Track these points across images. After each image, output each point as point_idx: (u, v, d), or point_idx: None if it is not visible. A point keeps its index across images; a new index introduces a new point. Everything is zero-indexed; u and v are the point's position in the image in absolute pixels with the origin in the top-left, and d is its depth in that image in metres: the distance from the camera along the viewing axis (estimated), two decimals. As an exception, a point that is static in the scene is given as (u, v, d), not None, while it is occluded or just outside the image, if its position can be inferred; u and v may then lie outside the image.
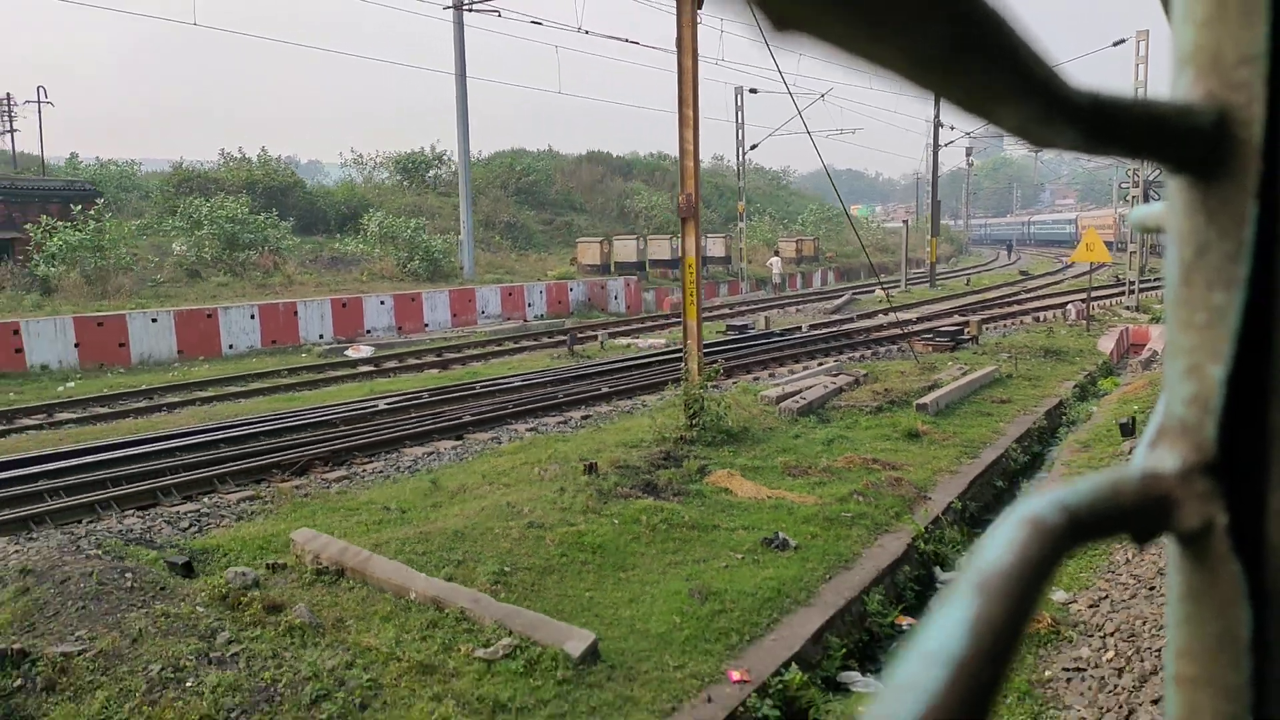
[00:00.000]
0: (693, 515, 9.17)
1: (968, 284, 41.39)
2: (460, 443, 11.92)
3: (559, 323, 27.51)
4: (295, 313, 22.73)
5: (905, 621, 8.03)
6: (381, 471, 10.70)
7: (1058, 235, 75.00)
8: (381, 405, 13.78)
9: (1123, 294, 29.29)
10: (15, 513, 8.54)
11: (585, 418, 13.47)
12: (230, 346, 21.28)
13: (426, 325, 25.94)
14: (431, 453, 11.41)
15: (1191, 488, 0.47)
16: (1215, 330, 0.47)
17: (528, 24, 26.79)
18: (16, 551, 7.48)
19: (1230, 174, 0.46)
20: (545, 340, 22.87)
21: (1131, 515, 0.44)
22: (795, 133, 34.88)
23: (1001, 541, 0.37)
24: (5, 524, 8.29)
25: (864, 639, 7.59)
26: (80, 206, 25.56)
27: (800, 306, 32.70)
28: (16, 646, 5.83)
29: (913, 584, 8.64)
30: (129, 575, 6.83)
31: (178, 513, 8.98)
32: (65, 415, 13.91)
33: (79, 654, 5.81)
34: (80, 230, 23.12)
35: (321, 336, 23.24)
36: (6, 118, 41.49)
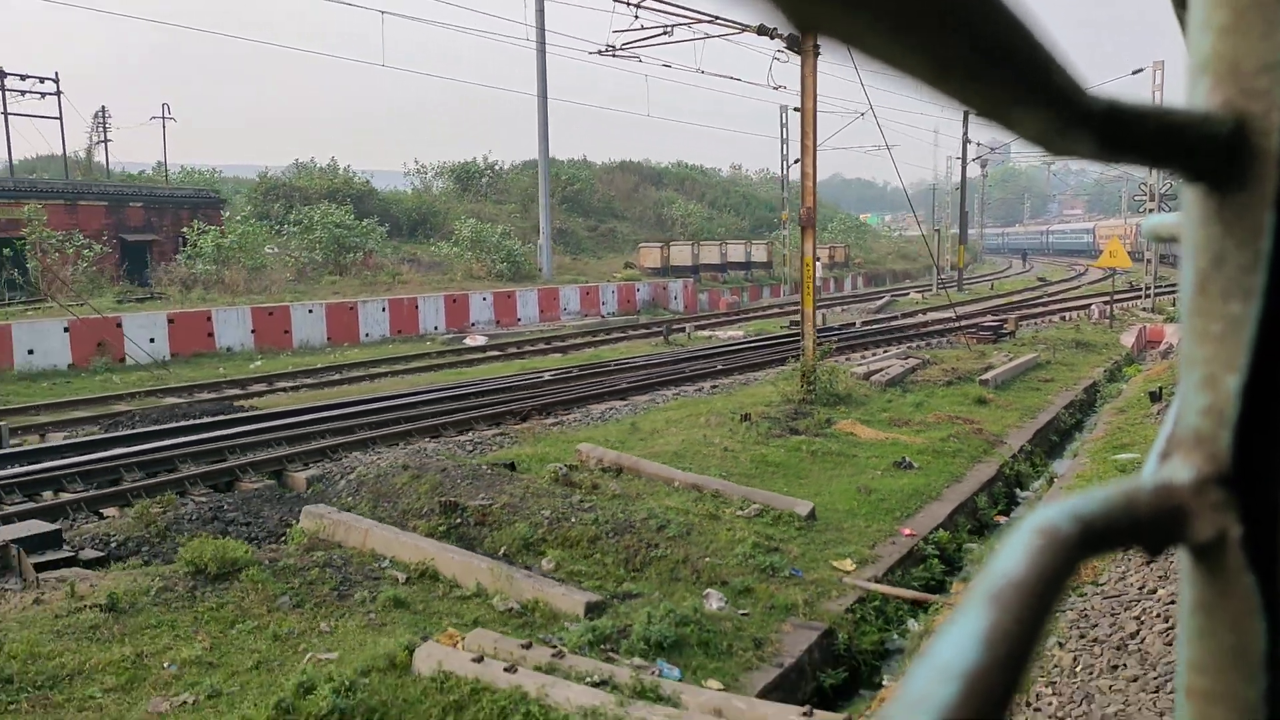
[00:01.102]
0: (835, 448, 12.37)
1: (992, 288, 44.58)
2: (626, 402, 15.12)
3: (632, 318, 30.76)
4: (416, 307, 25.99)
5: (1000, 519, 11.20)
6: (580, 420, 13.89)
7: (1075, 245, 77.48)
8: (546, 376, 17.01)
9: (1139, 297, 32.39)
10: (387, 432, 11.92)
11: (714, 387, 16.68)
12: (366, 335, 24.53)
13: (519, 319, 29.17)
14: (610, 408, 14.61)
15: (1205, 499, 0.46)
16: (1231, 341, 0.46)
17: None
18: (401, 454, 10.73)
19: (1247, 183, 0.45)
20: (632, 333, 26.08)
21: (1145, 526, 0.44)
22: (838, 148, 38.20)
23: (1015, 552, 0.37)
24: (387, 438, 11.67)
25: (976, 524, 10.76)
26: (203, 211, 28.85)
27: (845, 307, 35.86)
28: (448, 500, 9.03)
29: (1003, 495, 11.83)
30: (483, 468, 10.05)
31: (460, 440, 12.20)
32: (285, 384, 17.15)
33: (490, 505, 9.01)
34: (231, 233, 26.39)
35: (436, 328, 26.49)
36: (101, 129, 44.87)
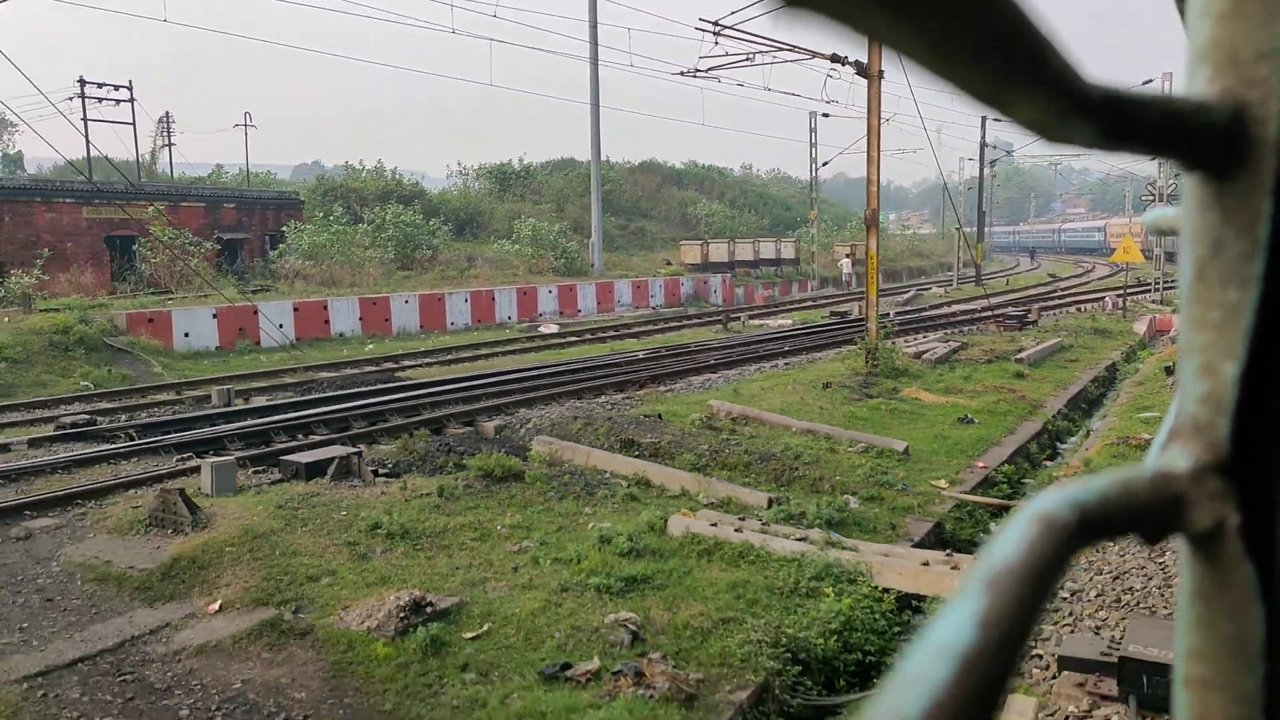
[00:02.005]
0: (906, 408, 15.00)
1: (1007, 283, 47.15)
2: (718, 375, 17.73)
3: (679, 310, 33.38)
4: (493, 298, 28.63)
5: (1048, 462, 13.80)
6: (685, 388, 16.49)
7: (1087, 243, 77.62)
8: (640, 355, 19.64)
9: (1148, 291, 34.97)
10: (541, 394, 14.59)
11: (786, 363, 19.31)
12: (452, 323, 27.17)
13: (579, 310, 31.80)
14: (706, 379, 17.22)
15: (1203, 487, 0.46)
16: (1229, 328, 0.46)
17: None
18: (560, 410, 13.36)
19: (1246, 171, 0.45)
20: (691, 322, 28.70)
21: (1143, 514, 0.44)
22: (859, 152, 40.70)
23: (1012, 538, 0.38)
24: (542, 399, 14.34)
25: (1030, 464, 13.36)
26: (286, 211, 31.47)
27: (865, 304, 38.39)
28: (626, 437, 11.64)
29: (1049, 444, 14.46)
30: (640, 417, 12.67)
31: (598, 401, 14.82)
32: (426, 362, 19.78)
33: (659, 441, 11.62)
34: (325, 231, 29.04)
35: (510, 317, 29.12)
36: (165, 133, 47.51)
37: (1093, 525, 0.40)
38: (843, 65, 17.45)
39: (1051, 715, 5.19)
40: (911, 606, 7.89)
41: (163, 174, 46.69)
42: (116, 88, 42.58)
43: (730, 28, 19.07)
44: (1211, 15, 0.46)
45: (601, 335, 25.47)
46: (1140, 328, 26.76)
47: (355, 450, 9.87)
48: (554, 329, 27.43)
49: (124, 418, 13.48)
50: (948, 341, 22.16)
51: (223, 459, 9.54)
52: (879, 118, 17.57)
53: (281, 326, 22.33)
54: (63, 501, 9.12)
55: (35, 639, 6.53)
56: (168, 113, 47.80)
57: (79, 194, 27.96)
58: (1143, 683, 4.98)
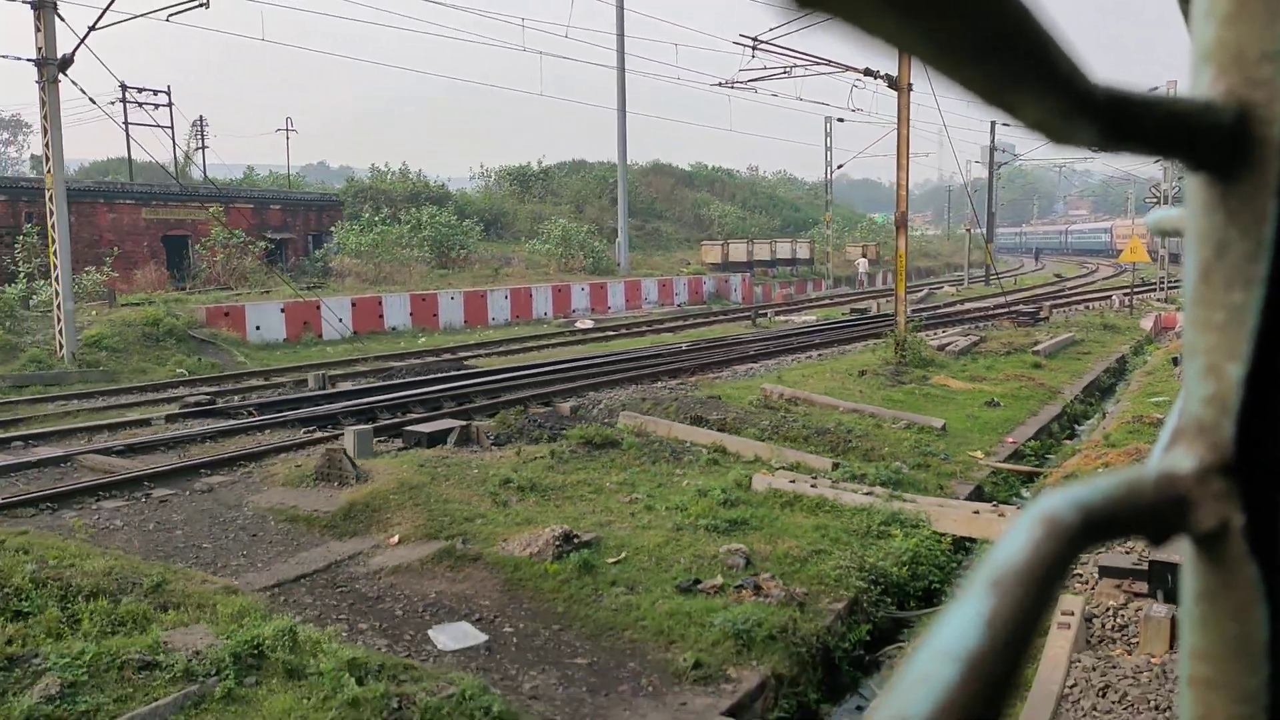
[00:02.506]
0: (938, 393, 16.45)
1: (1015, 283, 48.59)
2: (759, 364, 19.18)
3: (703, 307, 34.85)
4: (530, 295, 30.11)
5: (1068, 440, 15.25)
6: (731, 376, 17.94)
7: (1093, 244, 78.47)
8: (684, 346, 21.11)
9: (1153, 290, 36.42)
10: (604, 380, 16.00)
11: (820, 354, 20.77)
12: (493, 318, 28.66)
13: (609, 307, 33.27)
14: (749, 368, 18.68)
15: (1208, 488, 0.46)
16: (1234, 329, 0.46)
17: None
18: (625, 393, 14.84)
19: (1250, 172, 0.45)
20: (721, 318, 30.16)
21: (1147, 515, 0.44)
22: (881, 155, 42.12)
23: (1017, 539, 0.38)
24: (607, 384, 15.79)
25: (1053, 441, 14.81)
26: (327, 213, 32.93)
27: (889, 299, 39.86)
28: (695, 415, 13.10)
29: (1069, 424, 15.92)
30: (702, 398, 14.13)
31: (655, 386, 16.28)
32: (481, 353, 21.24)
33: (725, 418, 13.08)
34: (369, 231, 30.52)
35: (545, 313, 30.60)
36: (200, 136, 49.00)
37: (1097, 526, 0.41)
38: (875, 78, 18.91)
39: (1095, 608, 6.65)
40: (964, 548, 9.35)
41: (197, 176, 48.19)
42: (155, 93, 44.15)
43: (767, 43, 20.54)
44: (1216, 16, 0.46)
45: (637, 330, 26.93)
46: (1146, 324, 28.20)
47: (473, 421, 11.34)
48: (589, 324, 28.90)
49: (237, 398, 14.97)
50: (967, 335, 23.61)
51: (362, 427, 11.02)
52: (908, 127, 19.01)
53: (341, 320, 23.81)
54: (228, 463, 10.60)
55: (258, 562, 8.01)
56: (201, 117, 49.33)
57: (138, 195, 29.45)
58: (1168, 580, 6.43)
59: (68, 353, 17.21)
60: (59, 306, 17.23)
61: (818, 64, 19.78)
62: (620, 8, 36.18)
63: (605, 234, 52.67)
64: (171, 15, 16.11)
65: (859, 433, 12.84)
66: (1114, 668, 5.57)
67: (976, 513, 9.42)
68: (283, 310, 22.82)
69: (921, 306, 34.67)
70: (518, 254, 38.15)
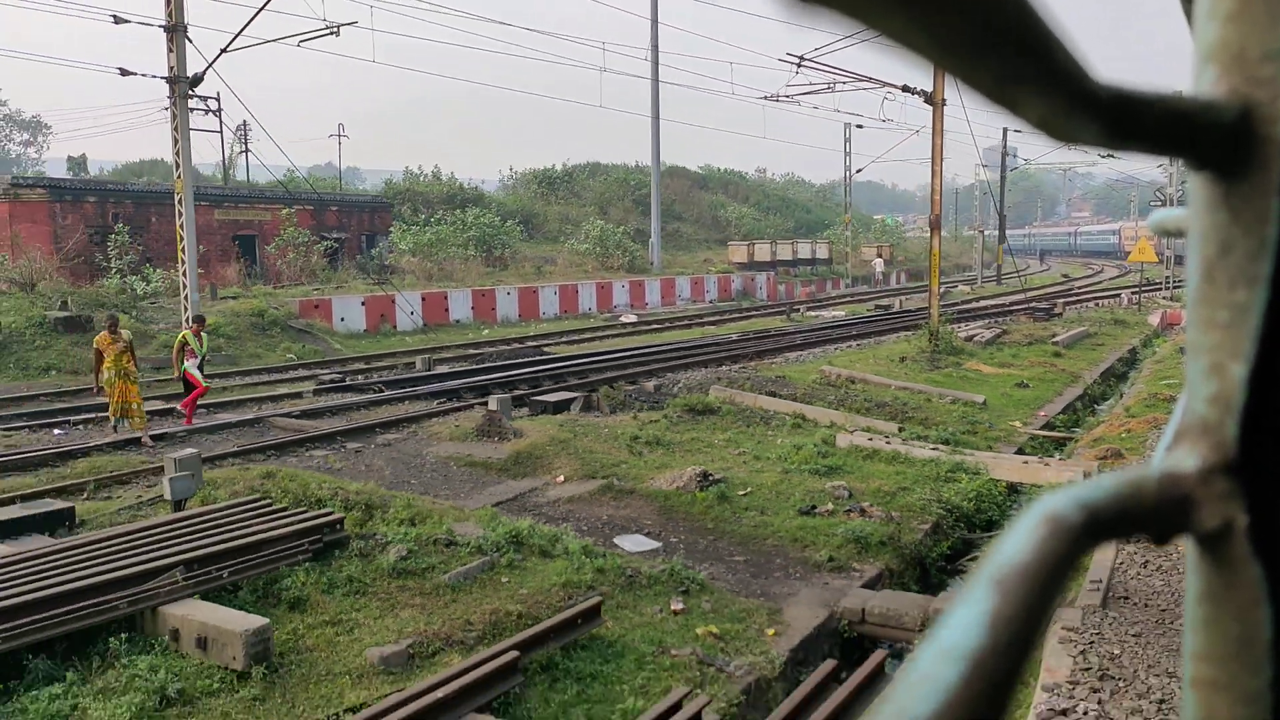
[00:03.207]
0: (972, 376, 18.50)
1: (1025, 282, 50.63)
2: (805, 352, 21.22)
3: (733, 304, 36.88)
4: (576, 291, 32.17)
5: (1090, 416, 17.28)
6: (785, 361, 19.96)
7: (1102, 246, 78.99)
8: (734, 337, 23.15)
9: (1159, 289, 38.45)
10: (676, 364, 18.04)
11: (859, 344, 22.82)
12: (544, 313, 30.70)
13: (646, 304, 35.31)
14: (798, 355, 20.71)
15: (1211, 488, 0.46)
16: (1237, 329, 0.46)
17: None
18: (701, 374, 16.89)
19: (1253, 171, 0.45)
20: (754, 313, 32.19)
21: (1150, 515, 0.44)
22: (901, 159, 44.40)
23: (1020, 538, 0.38)
24: (678, 367, 17.81)
25: (1078, 417, 16.83)
26: (378, 214, 34.98)
27: (908, 296, 41.94)
28: (770, 390, 15.13)
29: (1090, 403, 17.95)
30: (771, 378, 16.17)
31: (721, 370, 18.31)
32: (554, 340, 23.30)
33: (795, 393, 15.12)
34: (425, 231, 32.57)
35: (590, 309, 32.63)
36: (243, 140, 51.07)
37: (1101, 525, 0.40)
38: (912, 94, 20.94)
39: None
40: (1016, 491, 11.39)
41: (240, 178, 50.24)
42: (204, 99, 46.18)
43: (810, 60, 22.58)
44: (1219, 15, 0.46)
45: (682, 323, 28.97)
46: (1154, 320, 30.23)
47: (594, 391, 13.39)
48: (633, 319, 30.93)
49: (360, 377, 17.01)
50: (990, 328, 25.66)
51: (503, 395, 13.05)
52: (941, 138, 21.05)
53: (413, 313, 25.87)
54: (395, 424, 12.64)
55: (459, 494, 10.04)
56: (245, 121, 51.39)
57: (212, 197, 31.50)
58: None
59: (193, 339, 19.23)
60: (186, 298, 19.27)
61: (859, 80, 21.83)
62: (654, 23, 38.26)
63: (630, 234, 54.81)
64: (303, 41, 18.15)
65: (913, 406, 14.89)
66: (1150, 548, 7.60)
67: (1025, 462, 11.47)
68: (363, 303, 24.88)
69: (943, 303, 36.67)
70: (560, 253, 40.17)
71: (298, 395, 15.06)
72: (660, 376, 17.27)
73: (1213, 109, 0.45)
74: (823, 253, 49.72)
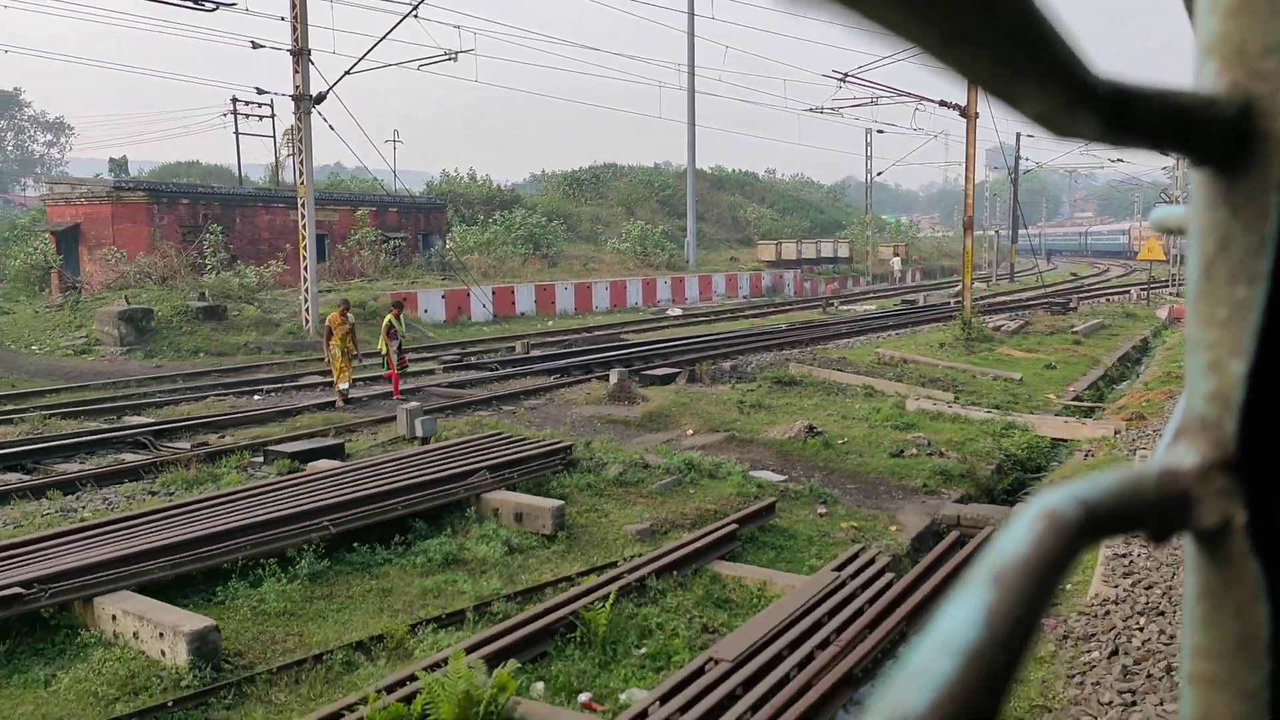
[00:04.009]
0: (1004, 359, 20.92)
1: (1038, 280, 53.04)
2: (851, 340, 23.63)
3: (767, 299, 39.30)
4: (625, 287, 34.60)
5: (1113, 391, 19.68)
6: (837, 347, 22.36)
7: (1112, 245, 79.91)
8: (783, 326, 25.58)
9: (1166, 286, 40.85)
10: (743, 348, 20.45)
11: (897, 333, 25.25)
12: (596, 306, 33.13)
13: (686, 298, 37.73)
14: (847, 342, 23.12)
15: (1210, 485, 0.46)
16: (1237, 325, 0.46)
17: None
18: (767, 356, 19.32)
19: (1254, 166, 0.45)
20: (790, 308, 34.60)
21: (1149, 512, 0.44)
22: (918, 163, 46.93)
23: (1018, 534, 0.38)
24: (746, 350, 20.21)
25: (1100, 394, 19.24)
26: (434, 215, 37.46)
27: (927, 293, 44.36)
28: (835, 368, 17.56)
29: (1111, 382, 20.37)
30: (838, 359, 18.59)
31: (781, 354, 20.72)
32: (625, 330, 25.72)
33: (857, 370, 17.52)
34: (485, 231, 35.01)
35: (636, 303, 35.05)
36: (291, 143, 53.49)
37: (1099, 522, 0.40)
38: (948, 108, 23.35)
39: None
40: (1059, 445, 13.79)
41: (288, 180, 52.71)
42: (259, 105, 48.69)
43: (854, 76, 25.00)
44: (1219, 9, 0.45)
45: (728, 315, 31.37)
46: (1162, 314, 32.64)
47: (695, 366, 15.83)
48: (678, 312, 33.35)
49: (472, 359, 19.45)
50: (1014, 320, 28.08)
51: (621, 369, 15.47)
52: (974, 147, 23.46)
53: (485, 305, 28.31)
54: (533, 393, 15.07)
55: (618, 440, 12.45)
56: (293, 125, 53.80)
57: (288, 199, 33.94)
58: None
59: (312, 326, 21.69)
60: (306, 291, 21.71)
61: (899, 95, 24.26)
62: (690, 36, 40.69)
63: (668, 234, 57.21)
64: (422, 66, 20.54)
65: (960, 381, 17.32)
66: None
67: (1065, 422, 13.90)
68: (443, 296, 27.32)
69: (961, 298, 39.08)
70: (604, 251, 42.61)
71: (430, 372, 17.49)
72: (733, 358, 19.68)
73: (1213, 104, 0.45)
74: (844, 252, 52.13)
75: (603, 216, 56.98)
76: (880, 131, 47.70)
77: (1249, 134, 0.45)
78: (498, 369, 17.95)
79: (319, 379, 16.81)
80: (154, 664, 5.47)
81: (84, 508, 8.67)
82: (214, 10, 17.60)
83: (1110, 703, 5.14)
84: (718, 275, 40.21)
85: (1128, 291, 39.41)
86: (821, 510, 9.61)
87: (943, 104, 23.67)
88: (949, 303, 36.26)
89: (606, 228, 54.44)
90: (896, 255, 51.61)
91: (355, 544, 7.34)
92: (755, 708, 5.23)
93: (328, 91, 20.86)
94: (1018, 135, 52.39)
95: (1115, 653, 5.85)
